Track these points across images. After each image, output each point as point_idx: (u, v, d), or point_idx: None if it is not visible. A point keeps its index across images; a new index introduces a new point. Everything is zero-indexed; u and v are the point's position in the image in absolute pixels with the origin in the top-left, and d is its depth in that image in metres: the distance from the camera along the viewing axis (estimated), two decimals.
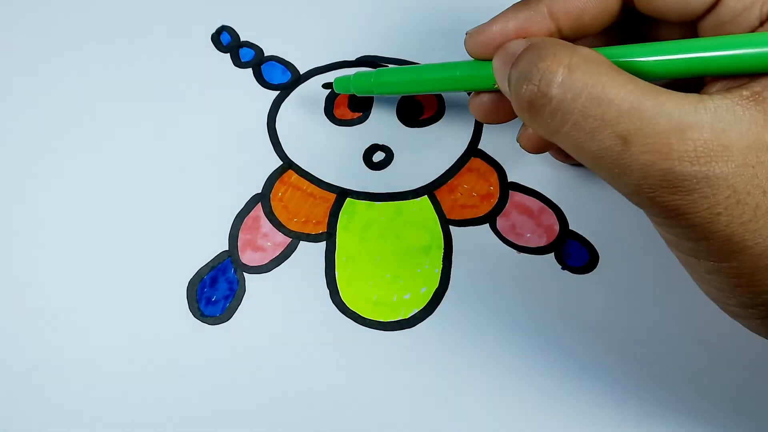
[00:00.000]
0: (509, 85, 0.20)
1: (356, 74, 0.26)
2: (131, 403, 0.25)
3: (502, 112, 0.23)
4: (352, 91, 0.27)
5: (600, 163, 0.18)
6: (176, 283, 0.26)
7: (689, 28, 0.20)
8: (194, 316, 0.26)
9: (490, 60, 0.21)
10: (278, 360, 0.25)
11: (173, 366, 0.25)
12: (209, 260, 0.26)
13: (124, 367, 0.25)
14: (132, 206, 0.27)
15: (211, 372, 0.25)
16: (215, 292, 0.26)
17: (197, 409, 0.25)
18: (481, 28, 0.21)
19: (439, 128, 0.28)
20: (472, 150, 0.28)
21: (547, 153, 0.27)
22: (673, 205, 0.17)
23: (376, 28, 0.29)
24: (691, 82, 0.20)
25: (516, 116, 0.23)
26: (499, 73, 0.21)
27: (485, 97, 0.23)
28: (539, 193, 0.27)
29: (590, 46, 0.19)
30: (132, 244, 0.27)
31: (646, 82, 0.18)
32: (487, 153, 0.28)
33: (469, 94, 0.25)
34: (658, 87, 0.17)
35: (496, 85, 0.22)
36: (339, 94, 0.28)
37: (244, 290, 0.26)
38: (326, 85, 0.28)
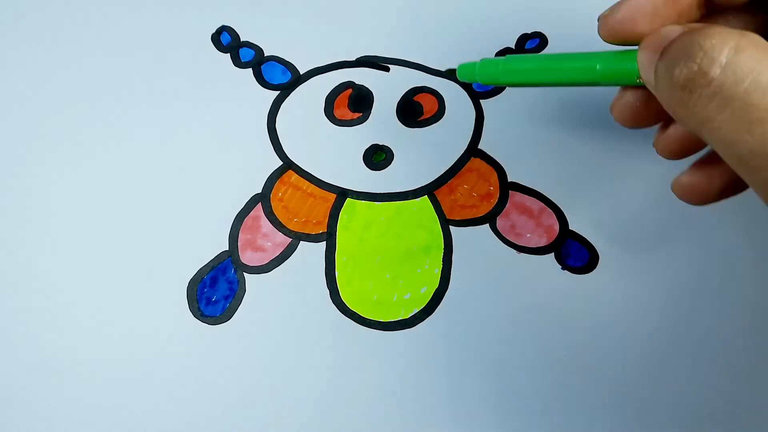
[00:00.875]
0: (660, 69, 0.18)
1: (482, 61, 0.24)
2: (131, 403, 0.25)
3: (650, 113, 0.21)
4: (477, 80, 0.24)
5: (755, 163, 0.16)
6: (176, 283, 0.26)
7: None
8: (194, 316, 0.26)
9: (631, 44, 0.20)
10: (278, 360, 0.25)
11: (173, 366, 0.25)
12: (209, 260, 0.26)
13: (124, 366, 0.25)
14: (132, 206, 0.27)
15: (211, 372, 0.25)
16: (215, 292, 0.26)
17: (197, 409, 0.25)
18: (615, 8, 0.19)
19: (439, 128, 0.28)
20: (472, 150, 0.28)
21: (547, 154, 0.27)
22: None
23: (376, 28, 0.29)
24: None
25: (659, 121, 0.21)
26: (646, 59, 0.18)
27: (631, 96, 0.21)
28: (539, 193, 0.27)
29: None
30: (132, 244, 0.27)
31: None
32: (487, 153, 0.28)
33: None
34: None
35: (639, 80, 0.20)
36: (340, 94, 0.28)
37: (244, 290, 0.26)
38: (449, 72, 0.26)
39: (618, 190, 0.27)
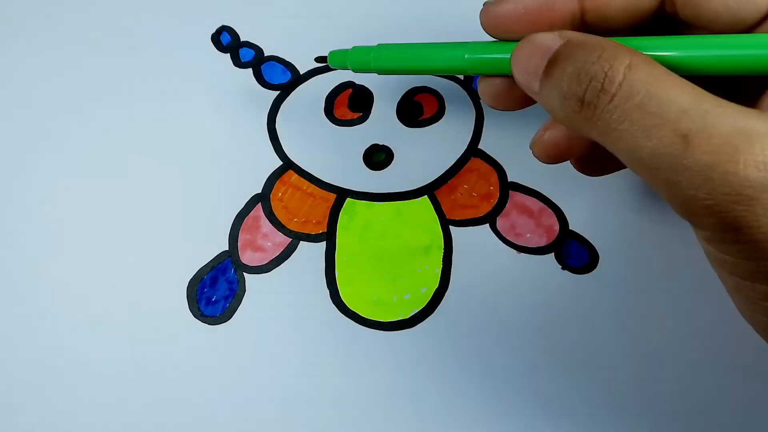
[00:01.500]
0: (552, 85, 0.19)
1: (354, 48, 0.24)
2: (131, 403, 0.25)
3: (515, 99, 0.22)
4: (348, 67, 0.24)
5: (655, 165, 0.17)
6: (176, 283, 0.26)
7: None
8: (194, 316, 0.26)
9: (507, 41, 0.20)
10: (278, 360, 0.25)
11: (173, 366, 0.25)
12: (209, 260, 0.26)
13: (124, 366, 0.25)
14: (132, 206, 0.27)
15: (211, 372, 0.25)
16: (215, 292, 0.26)
17: (197, 409, 0.25)
18: (499, 2, 0.20)
19: (439, 128, 0.28)
20: (472, 150, 0.28)
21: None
22: (731, 217, 0.16)
23: (375, 28, 0.29)
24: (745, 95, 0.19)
25: (526, 105, 0.22)
26: (521, 64, 0.19)
27: (497, 81, 0.22)
28: (539, 193, 0.27)
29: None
30: (132, 244, 0.27)
31: (702, 89, 0.17)
32: (487, 153, 0.28)
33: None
34: (714, 96, 0.17)
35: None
36: (340, 94, 0.28)
37: (244, 290, 0.26)
38: (319, 59, 0.26)
39: (618, 190, 0.27)
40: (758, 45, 0.17)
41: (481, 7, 0.21)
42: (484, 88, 0.22)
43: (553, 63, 0.18)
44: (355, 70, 0.24)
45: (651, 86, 0.17)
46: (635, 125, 0.17)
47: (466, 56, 0.21)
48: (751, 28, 0.18)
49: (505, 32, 0.21)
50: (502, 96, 0.22)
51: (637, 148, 0.17)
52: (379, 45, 0.24)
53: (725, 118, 0.16)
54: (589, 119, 0.18)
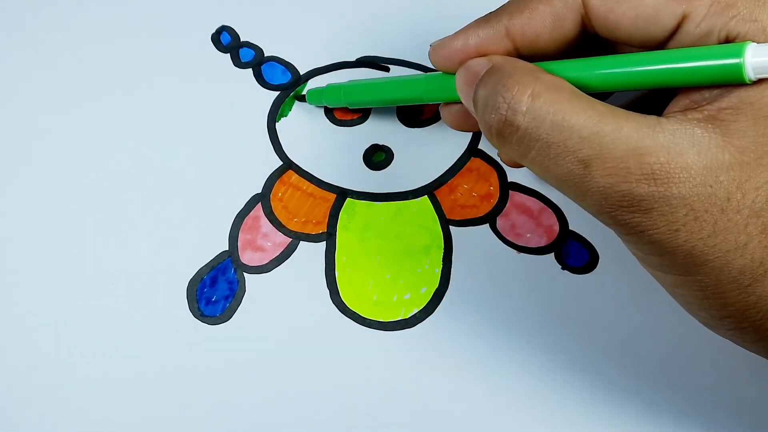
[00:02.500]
0: (476, 110, 0.20)
1: (328, 87, 0.27)
2: (131, 403, 0.25)
3: (472, 122, 0.23)
4: (325, 103, 0.27)
5: (564, 186, 0.19)
6: (176, 283, 0.26)
7: None
8: (194, 316, 0.26)
9: (454, 74, 0.22)
10: (278, 360, 0.25)
11: (173, 366, 0.25)
12: (209, 260, 0.26)
13: (124, 367, 0.25)
14: (132, 206, 0.27)
15: (211, 372, 0.25)
16: (215, 292, 0.26)
17: (197, 409, 0.25)
18: (443, 42, 0.22)
19: (439, 128, 0.28)
20: (472, 150, 0.28)
21: None
22: (633, 223, 0.18)
23: (376, 28, 0.29)
24: (654, 98, 0.20)
25: None
26: (462, 91, 0.21)
27: (454, 108, 0.24)
28: (539, 193, 0.27)
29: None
30: (132, 244, 0.27)
31: (606, 105, 0.18)
32: (487, 153, 0.28)
33: None
34: (617, 110, 0.18)
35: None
36: None
37: (244, 290, 0.26)
38: (299, 98, 0.28)
39: None
40: (652, 61, 0.18)
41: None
42: (445, 115, 0.24)
43: (476, 89, 0.20)
44: (331, 106, 0.28)
45: (554, 115, 0.18)
46: (541, 154, 0.18)
47: (422, 89, 0.24)
48: (662, 43, 0.19)
49: (452, 69, 0.22)
50: (461, 120, 0.24)
51: (546, 172, 0.19)
52: (348, 84, 0.27)
53: (620, 141, 0.17)
54: (501, 146, 0.19)
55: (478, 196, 0.27)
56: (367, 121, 0.28)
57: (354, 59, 0.29)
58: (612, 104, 0.19)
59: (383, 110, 0.28)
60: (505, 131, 0.19)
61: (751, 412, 0.25)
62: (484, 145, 0.28)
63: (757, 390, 0.25)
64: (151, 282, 0.26)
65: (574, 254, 0.26)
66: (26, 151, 0.28)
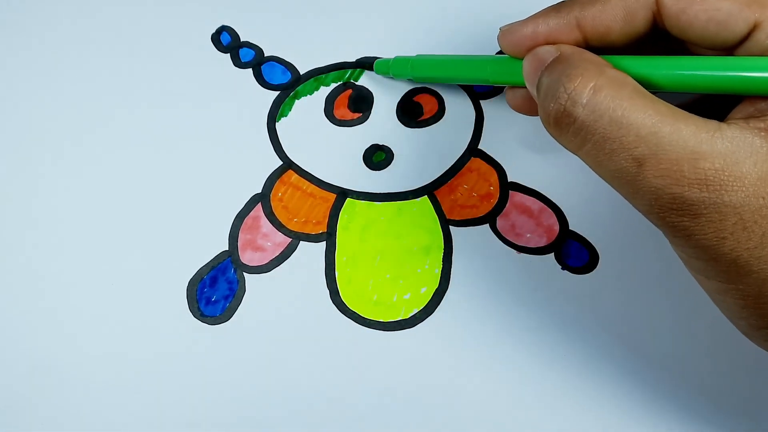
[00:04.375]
0: (537, 96, 0.20)
1: (396, 58, 0.27)
2: (131, 403, 0.25)
3: (536, 107, 0.23)
4: (391, 74, 0.27)
5: (616, 182, 0.19)
6: (176, 283, 0.26)
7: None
8: (194, 316, 0.26)
9: (521, 59, 0.22)
10: (278, 360, 0.25)
11: (173, 366, 0.25)
12: (209, 260, 0.26)
13: (124, 366, 0.25)
14: (132, 206, 0.27)
15: (211, 372, 0.25)
16: (215, 292, 0.26)
17: (197, 409, 0.25)
18: (512, 28, 0.22)
19: (439, 128, 0.28)
20: (472, 150, 0.28)
21: (547, 154, 0.27)
22: (681, 226, 0.18)
23: (376, 28, 0.29)
24: (717, 101, 0.20)
25: None
26: (528, 77, 0.21)
27: (519, 92, 0.24)
28: (539, 193, 0.27)
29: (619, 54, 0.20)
30: (132, 244, 0.27)
31: (668, 106, 0.18)
32: (487, 153, 0.28)
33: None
34: (678, 111, 0.18)
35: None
36: (339, 95, 0.28)
37: (244, 290, 0.26)
38: (365, 66, 0.29)
39: None
40: (721, 67, 0.18)
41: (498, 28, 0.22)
42: (509, 98, 0.24)
43: (541, 76, 0.20)
44: (396, 77, 0.28)
45: (613, 111, 0.18)
46: (596, 148, 0.18)
47: (489, 70, 0.24)
48: (731, 48, 0.19)
49: (519, 54, 0.22)
50: (526, 105, 0.24)
51: (599, 166, 0.19)
52: (417, 56, 0.27)
53: (677, 143, 0.17)
54: (558, 136, 0.20)
55: (478, 196, 0.27)
56: (367, 121, 0.28)
57: (354, 59, 0.29)
58: (676, 100, 0.19)
59: (383, 110, 0.28)
60: (563, 121, 0.19)
61: (750, 412, 0.25)
62: (484, 145, 0.28)
63: (757, 390, 0.25)
64: (151, 282, 0.26)
65: (574, 254, 0.26)
66: (26, 151, 0.28)
